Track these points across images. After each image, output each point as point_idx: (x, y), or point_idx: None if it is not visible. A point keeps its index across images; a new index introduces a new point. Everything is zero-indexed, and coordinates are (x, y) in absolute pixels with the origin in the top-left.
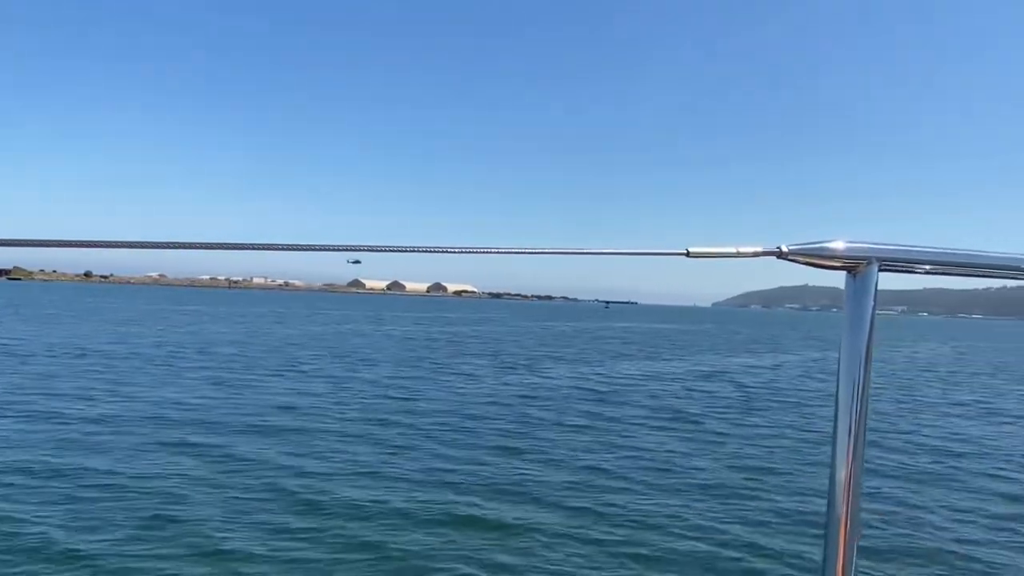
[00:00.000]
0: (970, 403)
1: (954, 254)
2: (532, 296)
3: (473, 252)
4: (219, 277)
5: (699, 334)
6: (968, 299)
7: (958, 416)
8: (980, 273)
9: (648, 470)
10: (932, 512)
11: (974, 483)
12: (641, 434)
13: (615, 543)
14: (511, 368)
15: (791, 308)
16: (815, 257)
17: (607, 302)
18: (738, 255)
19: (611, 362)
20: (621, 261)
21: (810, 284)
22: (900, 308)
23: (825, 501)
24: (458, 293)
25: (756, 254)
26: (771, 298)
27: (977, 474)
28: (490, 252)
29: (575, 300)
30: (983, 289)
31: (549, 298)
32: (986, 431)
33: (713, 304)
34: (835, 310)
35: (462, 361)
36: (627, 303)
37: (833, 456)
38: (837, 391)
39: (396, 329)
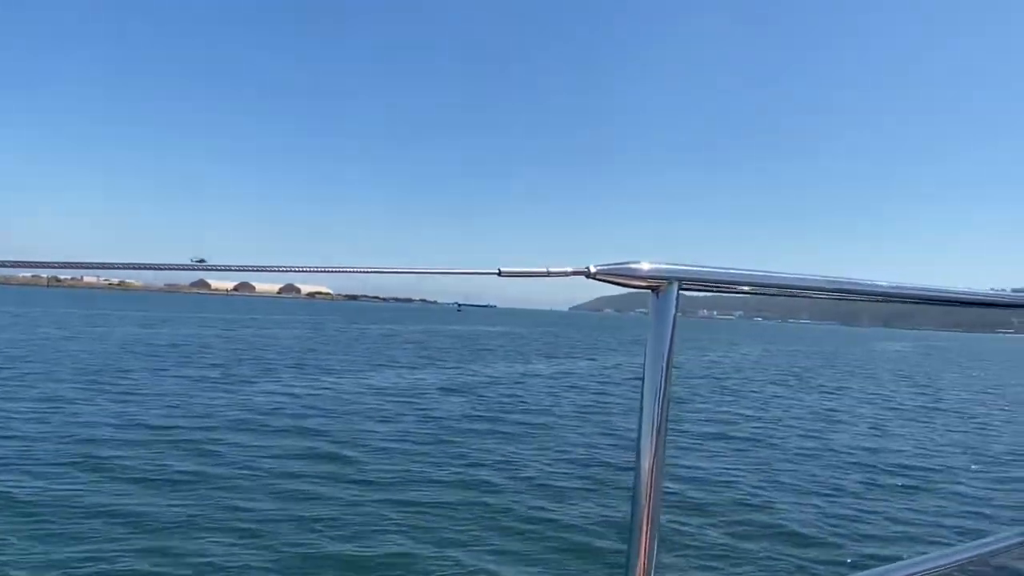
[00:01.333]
0: (747, 410)
1: (749, 275)
2: (391, 298)
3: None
4: (41, 275)
5: (516, 338)
6: (798, 305)
7: (730, 418)
8: (774, 292)
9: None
10: (722, 508)
11: (756, 480)
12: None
13: None
14: (221, 380)
15: (641, 312)
16: (621, 277)
17: (460, 306)
18: (548, 274)
19: (371, 371)
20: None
21: None
22: (738, 313)
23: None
24: (312, 295)
25: (566, 274)
26: (624, 303)
27: (760, 471)
28: (300, 271)
29: (434, 303)
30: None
31: (409, 300)
32: (762, 432)
33: (570, 308)
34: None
35: (175, 372)
36: (485, 307)
37: (637, 458)
38: (642, 397)
39: (158, 333)
